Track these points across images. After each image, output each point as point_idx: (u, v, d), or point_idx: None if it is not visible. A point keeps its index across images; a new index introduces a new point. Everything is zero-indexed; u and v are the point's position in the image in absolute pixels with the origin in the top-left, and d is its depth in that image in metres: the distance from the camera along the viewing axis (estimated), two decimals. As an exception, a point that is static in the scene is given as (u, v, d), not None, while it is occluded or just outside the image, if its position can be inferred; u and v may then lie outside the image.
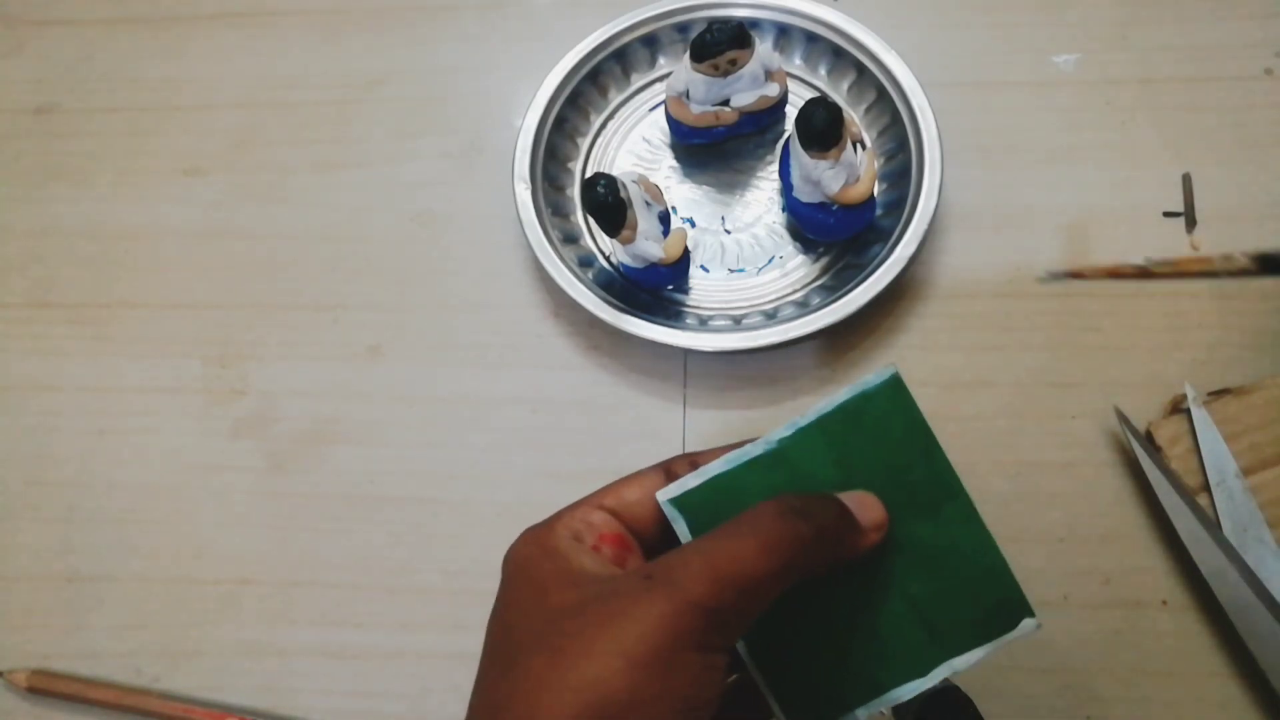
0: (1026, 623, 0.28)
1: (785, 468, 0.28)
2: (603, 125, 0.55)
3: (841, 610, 0.28)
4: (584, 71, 0.53)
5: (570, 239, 0.52)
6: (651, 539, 0.29)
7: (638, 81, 0.55)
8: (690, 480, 0.28)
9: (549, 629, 0.25)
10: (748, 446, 0.28)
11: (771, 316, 0.49)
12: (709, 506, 0.28)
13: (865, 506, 0.28)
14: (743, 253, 0.51)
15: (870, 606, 0.28)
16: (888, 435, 0.28)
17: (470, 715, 0.26)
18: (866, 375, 0.28)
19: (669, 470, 0.30)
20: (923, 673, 0.28)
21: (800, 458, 0.28)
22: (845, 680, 0.28)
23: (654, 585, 0.24)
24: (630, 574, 0.26)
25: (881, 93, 0.51)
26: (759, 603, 0.25)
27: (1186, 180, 0.51)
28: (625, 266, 0.48)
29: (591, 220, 0.52)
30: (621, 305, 0.48)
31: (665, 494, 0.28)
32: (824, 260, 0.51)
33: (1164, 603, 0.44)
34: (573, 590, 0.25)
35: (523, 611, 0.26)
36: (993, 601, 0.28)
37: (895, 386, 0.28)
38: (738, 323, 0.49)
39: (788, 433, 0.28)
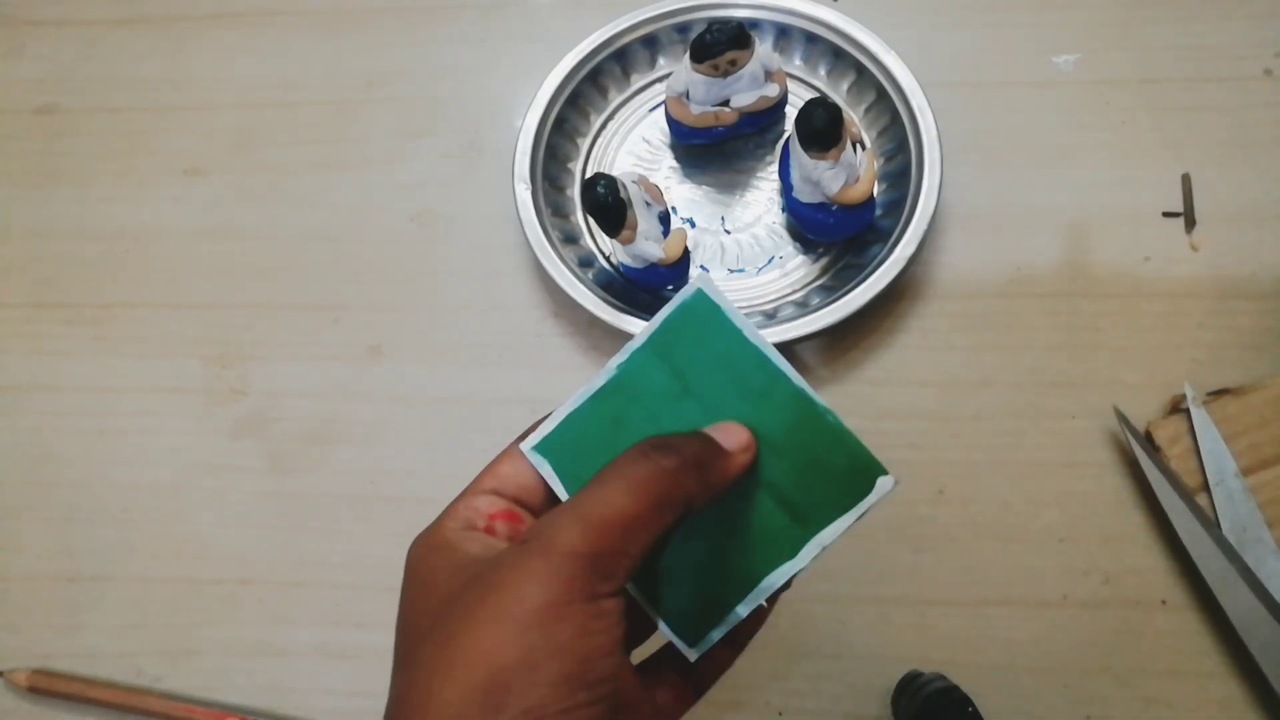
0: (882, 481, 0.28)
1: (628, 390, 0.30)
2: (603, 125, 0.55)
3: (707, 515, 0.29)
4: (584, 72, 0.53)
5: (570, 239, 0.52)
6: (540, 506, 0.30)
7: (638, 82, 0.55)
8: (546, 426, 0.30)
9: (439, 618, 0.25)
10: (592, 379, 0.30)
11: (771, 316, 0.49)
12: (569, 445, 0.30)
13: (728, 432, 0.28)
14: (742, 253, 0.51)
15: (732, 503, 0.29)
16: (708, 339, 0.30)
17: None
18: (686, 296, 0.30)
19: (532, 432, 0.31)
20: (792, 554, 0.29)
21: (639, 377, 0.30)
22: (722, 582, 0.29)
23: (529, 548, 0.25)
24: (510, 545, 0.26)
25: (881, 93, 0.51)
26: (638, 541, 0.25)
27: (1186, 180, 0.51)
28: (625, 267, 0.48)
29: (591, 220, 0.52)
30: (621, 305, 0.48)
31: (527, 444, 0.30)
32: (824, 260, 0.51)
33: (1163, 602, 0.44)
34: (458, 577, 0.26)
35: (415, 610, 0.26)
36: (843, 470, 0.29)
37: (702, 297, 0.30)
38: (738, 323, 0.49)
39: (623, 358, 0.30)
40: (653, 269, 0.47)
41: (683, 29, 0.54)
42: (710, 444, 0.28)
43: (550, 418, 0.30)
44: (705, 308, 0.30)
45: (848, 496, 0.29)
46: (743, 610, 0.29)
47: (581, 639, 0.24)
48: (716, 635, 0.29)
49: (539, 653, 0.23)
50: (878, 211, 0.50)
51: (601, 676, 0.24)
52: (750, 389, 0.29)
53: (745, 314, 0.50)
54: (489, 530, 0.28)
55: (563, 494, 0.30)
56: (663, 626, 0.29)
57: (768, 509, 0.29)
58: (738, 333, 0.30)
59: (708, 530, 0.29)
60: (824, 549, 0.29)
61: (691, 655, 0.29)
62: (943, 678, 0.42)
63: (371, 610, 0.48)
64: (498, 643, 0.23)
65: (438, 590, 0.26)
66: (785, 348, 0.47)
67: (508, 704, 0.23)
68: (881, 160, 0.52)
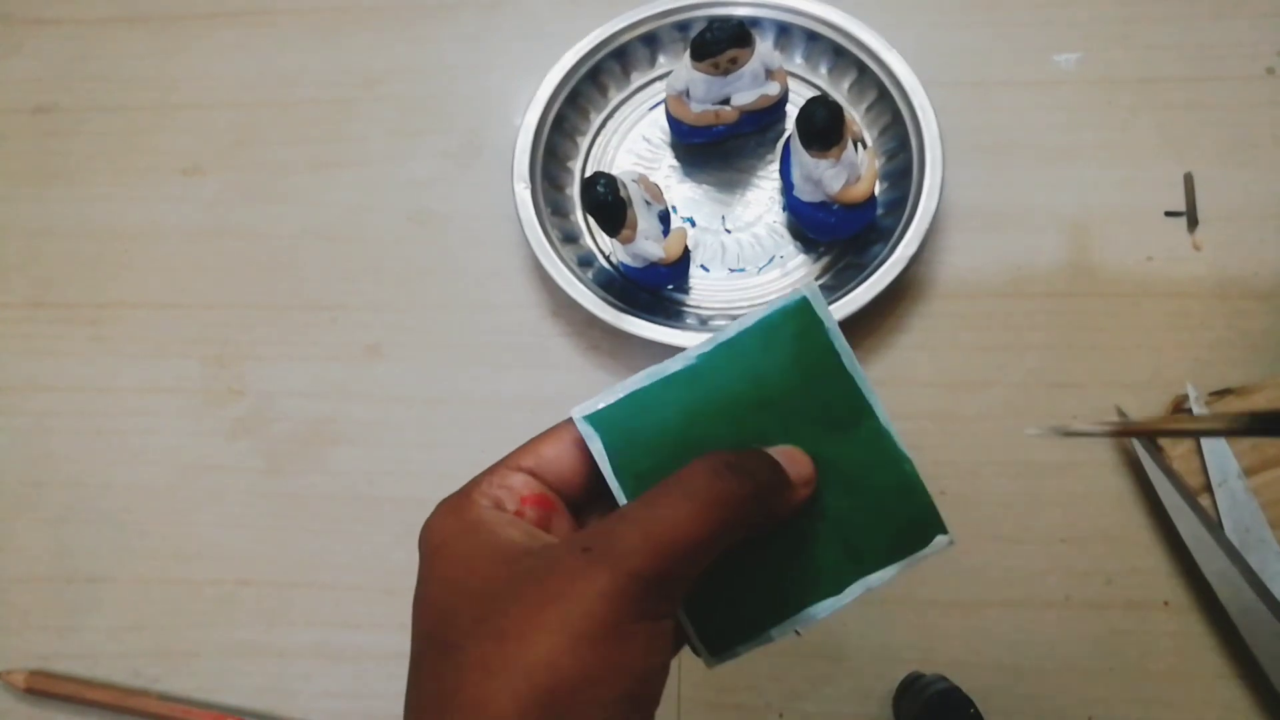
0: (939, 539, 0.28)
1: (702, 384, 0.28)
2: (602, 124, 0.55)
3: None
4: (584, 70, 0.53)
5: (570, 238, 0.52)
6: (575, 495, 0.28)
7: (638, 80, 0.55)
8: (607, 396, 0.28)
9: (489, 611, 0.24)
10: (667, 362, 0.28)
11: (772, 316, 0.49)
12: (625, 424, 0.28)
13: (794, 461, 0.27)
14: (743, 252, 0.51)
15: (792, 526, 0.28)
16: (802, 354, 0.28)
17: (412, 706, 0.24)
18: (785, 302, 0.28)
19: None
20: (838, 591, 0.28)
21: (717, 374, 0.28)
22: (761, 601, 0.28)
23: (593, 559, 0.24)
24: (566, 545, 0.25)
25: (882, 92, 0.51)
26: (699, 564, 0.24)
27: (1188, 180, 0.51)
28: (625, 266, 0.48)
29: (591, 219, 0.52)
30: (621, 305, 0.48)
31: (581, 410, 0.28)
32: (825, 260, 0.51)
33: (1166, 603, 0.44)
34: (504, 567, 0.24)
35: (453, 592, 0.25)
36: (907, 519, 0.28)
37: (806, 306, 0.28)
38: (738, 322, 0.49)
39: (707, 349, 0.28)
40: (652, 268, 0.47)
41: (683, 27, 0.54)
42: (781, 474, 0.27)
43: (610, 391, 0.28)
44: (807, 319, 0.28)
45: (904, 545, 0.28)
46: (775, 634, 0.28)
47: (642, 658, 0.23)
48: (742, 650, 0.28)
49: (600, 669, 0.23)
50: (879, 210, 0.49)
51: (654, 696, 0.24)
52: (834, 417, 0.28)
53: (746, 314, 0.50)
54: (519, 514, 0.27)
55: (609, 475, 0.28)
56: (689, 628, 0.28)
57: (826, 540, 0.28)
58: (835, 355, 0.28)
59: (759, 547, 0.28)
60: (868, 590, 0.28)
61: (711, 664, 0.28)
62: (944, 679, 0.42)
63: (370, 611, 0.48)
64: (559, 654, 0.22)
65: (478, 577, 0.25)
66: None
67: (565, 719, 0.22)
68: (883, 159, 0.51)
